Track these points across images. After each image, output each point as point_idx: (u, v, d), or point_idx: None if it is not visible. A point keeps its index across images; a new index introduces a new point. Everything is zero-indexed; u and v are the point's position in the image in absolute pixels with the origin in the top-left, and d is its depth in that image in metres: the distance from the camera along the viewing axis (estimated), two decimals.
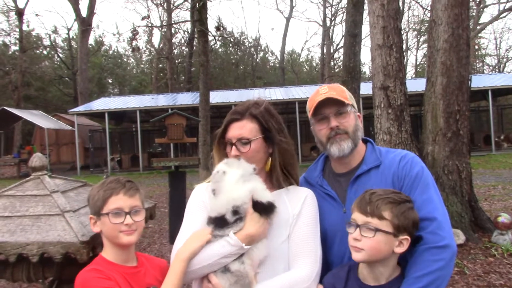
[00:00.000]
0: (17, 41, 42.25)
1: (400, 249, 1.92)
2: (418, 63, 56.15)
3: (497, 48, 56.50)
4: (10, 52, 47.10)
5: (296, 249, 2.11)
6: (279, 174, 2.26)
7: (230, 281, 1.96)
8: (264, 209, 2.00)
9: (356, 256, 1.96)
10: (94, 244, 2.33)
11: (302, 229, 2.14)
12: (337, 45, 50.36)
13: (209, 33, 18.04)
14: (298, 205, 2.20)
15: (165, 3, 42.55)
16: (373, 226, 1.90)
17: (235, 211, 2.00)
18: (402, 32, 7.99)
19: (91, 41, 47.24)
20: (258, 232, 1.99)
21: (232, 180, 2.04)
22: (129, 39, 27.74)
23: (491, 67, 56.59)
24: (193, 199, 2.25)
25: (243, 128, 2.17)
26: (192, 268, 1.99)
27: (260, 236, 2.00)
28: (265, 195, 2.05)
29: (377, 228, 1.89)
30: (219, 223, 2.01)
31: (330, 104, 2.28)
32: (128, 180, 2.17)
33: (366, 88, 17.62)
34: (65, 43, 52.72)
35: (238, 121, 2.19)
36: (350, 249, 1.99)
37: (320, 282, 2.14)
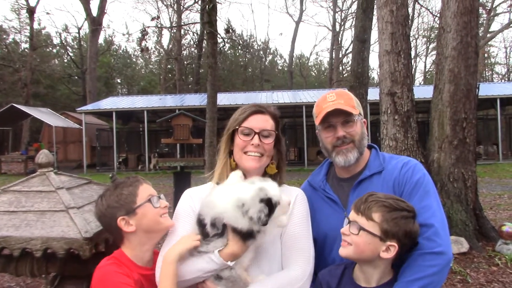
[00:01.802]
0: (27, 39, 42.61)
1: (386, 255, 1.92)
2: (427, 70, 56.04)
3: (507, 57, 56.32)
4: (20, 50, 47.45)
5: (288, 249, 2.13)
6: (275, 176, 2.30)
7: (226, 286, 1.97)
8: (243, 236, 1.91)
9: (341, 250, 2.00)
10: (97, 241, 2.35)
11: (294, 229, 2.16)
12: (346, 50, 50.37)
13: (218, 35, 18.08)
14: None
15: (175, 5, 42.77)
16: (360, 224, 1.92)
17: (213, 224, 1.96)
18: (411, 39, 7.98)
19: (100, 40, 47.53)
20: (242, 250, 1.96)
21: (225, 191, 2.00)
22: (138, 39, 27.87)
23: (500, 76, 56.34)
24: (182, 204, 2.25)
25: (267, 122, 2.22)
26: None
27: (243, 252, 1.97)
28: (242, 221, 1.89)
29: (362, 227, 1.91)
30: (201, 230, 2.00)
31: (338, 113, 2.29)
32: (133, 176, 2.26)
33: (373, 94, 17.55)
34: (75, 42, 53.09)
35: (262, 114, 2.23)
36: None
37: (315, 278, 2.17)
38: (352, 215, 1.99)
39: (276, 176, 2.31)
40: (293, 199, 2.23)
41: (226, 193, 1.97)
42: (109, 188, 2.21)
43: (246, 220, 1.87)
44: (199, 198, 2.19)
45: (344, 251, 1.98)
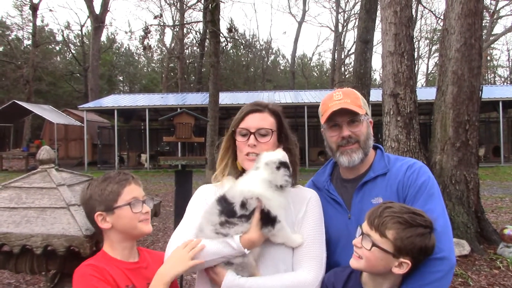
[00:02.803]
0: (30, 36, 42.64)
1: (398, 270, 1.87)
2: (429, 71, 55.99)
3: (510, 60, 56.27)
4: (23, 47, 47.51)
5: (302, 253, 2.08)
6: None
7: (236, 271, 1.96)
8: (267, 221, 1.94)
9: (352, 262, 1.95)
10: (97, 238, 2.33)
11: (309, 233, 2.12)
12: (349, 50, 50.41)
13: (221, 35, 18.06)
14: (302, 208, 2.17)
15: (178, 3, 42.76)
16: (372, 240, 1.86)
17: (243, 204, 1.95)
18: (414, 40, 7.96)
19: (103, 38, 47.49)
20: (260, 239, 1.95)
21: (259, 175, 2.01)
22: (140, 37, 27.90)
23: (502, 79, 56.29)
24: (197, 197, 2.24)
25: (264, 120, 2.16)
26: None
27: (261, 242, 1.97)
28: (274, 205, 1.98)
29: (375, 243, 1.85)
30: (225, 208, 1.97)
31: (344, 112, 2.26)
32: (124, 172, 2.19)
33: (376, 95, 17.59)
34: (78, 40, 53.12)
35: (259, 112, 2.17)
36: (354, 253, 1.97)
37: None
38: (366, 227, 1.92)
39: None
40: (306, 201, 2.20)
41: (249, 181, 2.01)
42: (97, 179, 2.19)
43: (279, 192, 1.98)
44: (214, 192, 2.18)
45: (355, 263, 1.93)
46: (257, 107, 2.18)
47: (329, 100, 2.33)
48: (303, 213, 2.16)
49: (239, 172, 2.23)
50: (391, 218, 1.86)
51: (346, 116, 2.27)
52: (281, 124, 2.21)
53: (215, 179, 2.29)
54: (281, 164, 1.98)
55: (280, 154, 2.03)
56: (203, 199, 2.19)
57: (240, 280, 1.92)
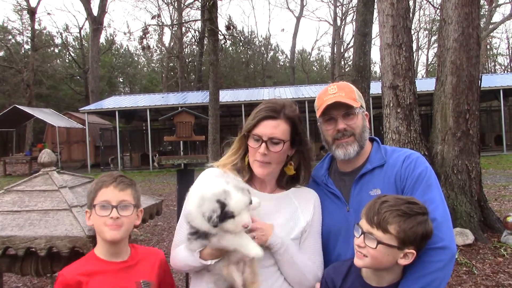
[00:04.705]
0: (29, 40, 42.69)
1: (404, 261, 1.89)
2: (429, 62, 55.84)
3: (509, 48, 56.06)
4: (23, 51, 47.56)
5: (308, 259, 2.18)
6: (294, 176, 2.32)
7: (213, 279, 2.01)
8: (200, 236, 1.93)
9: (358, 262, 1.95)
10: None
11: (316, 240, 2.24)
12: (348, 44, 50.28)
13: (219, 32, 18.07)
14: (309, 211, 2.25)
15: (176, 2, 42.63)
16: (376, 238, 1.86)
17: (188, 223, 1.97)
18: (413, 32, 7.96)
19: (102, 40, 47.56)
20: (214, 251, 1.96)
21: (199, 186, 2.02)
22: (139, 38, 27.89)
23: (503, 67, 56.12)
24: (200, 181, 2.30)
25: (277, 128, 2.13)
26: (175, 267, 2.19)
27: (220, 252, 1.96)
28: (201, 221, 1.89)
29: (380, 241, 1.86)
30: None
31: (338, 106, 2.27)
32: (121, 175, 2.17)
33: (376, 88, 17.55)
34: (77, 42, 53.17)
35: (273, 119, 2.14)
36: (355, 252, 1.98)
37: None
38: (366, 226, 1.91)
39: (298, 176, 2.32)
40: (311, 204, 2.28)
41: (198, 189, 1.97)
42: (101, 175, 2.22)
43: (200, 216, 1.87)
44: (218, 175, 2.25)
45: (360, 262, 1.93)
46: (271, 114, 2.15)
47: (324, 94, 2.35)
48: (311, 217, 2.24)
49: (246, 167, 2.27)
50: (390, 213, 1.87)
51: (341, 109, 2.28)
52: (295, 130, 2.20)
53: (218, 166, 2.32)
54: (222, 206, 1.84)
55: (238, 206, 1.86)
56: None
57: None
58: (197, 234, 1.93)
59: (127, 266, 2.15)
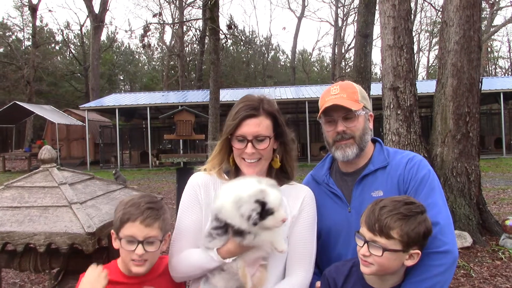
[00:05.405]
0: (30, 36, 42.67)
1: (410, 262, 1.89)
2: (430, 64, 55.84)
3: (510, 51, 56.07)
4: (23, 48, 47.53)
5: (294, 253, 2.14)
6: (282, 170, 2.29)
7: (224, 278, 2.00)
8: (235, 233, 1.92)
9: (365, 270, 1.93)
10: (100, 235, 2.35)
11: (302, 233, 2.16)
12: (349, 45, 50.22)
13: (221, 31, 18.07)
14: (297, 206, 2.20)
15: (177, 1, 42.66)
16: (381, 245, 1.85)
17: (216, 218, 1.97)
18: (414, 34, 7.96)
19: (103, 37, 47.48)
20: (238, 249, 1.96)
21: (231, 186, 2.00)
22: (140, 36, 27.90)
23: (503, 70, 56.11)
24: (188, 193, 2.27)
25: (260, 125, 2.10)
26: (178, 275, 2.14)
27: (242, 250, 1.97)
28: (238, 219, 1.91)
29: (385, 248, 1.84)
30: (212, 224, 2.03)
31: (339, 108, 2.26)
32: (149, 207, 2.08)
33: (376, 89, 17.55)
34: (78, 39, 53.13)
35: (254, 118, 2.11)
36: (360, 261, 1.97)
37: (322, 273, 2.17)
38: (368, 234, 1.90)
39: (283, 170, 2.29)
40: (300, 199, 2.22)
41: (230, 188, 1.96)
42: (131, 197, 2.17)
43: (238, 216, 1.86)
44: (205, 186, 2.23)
45: (368, 270, 1.92)
46: (252, 112, 2.11)
47: (326, 94, 2.35)
48: (298, 211, 2.18)
49: (232, 168, 2.26)
50: (391, 218, 1.86)
51: (341, 111, 2.27)
52: (277, 123, 2.18)
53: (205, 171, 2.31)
54: (262, 204, 1.85)
55: (276, 201, 1.89)
56: (195, 195, 2.25)
57: None
58: (222, 229, 1.95)
59: (143, 281, 2.15)
